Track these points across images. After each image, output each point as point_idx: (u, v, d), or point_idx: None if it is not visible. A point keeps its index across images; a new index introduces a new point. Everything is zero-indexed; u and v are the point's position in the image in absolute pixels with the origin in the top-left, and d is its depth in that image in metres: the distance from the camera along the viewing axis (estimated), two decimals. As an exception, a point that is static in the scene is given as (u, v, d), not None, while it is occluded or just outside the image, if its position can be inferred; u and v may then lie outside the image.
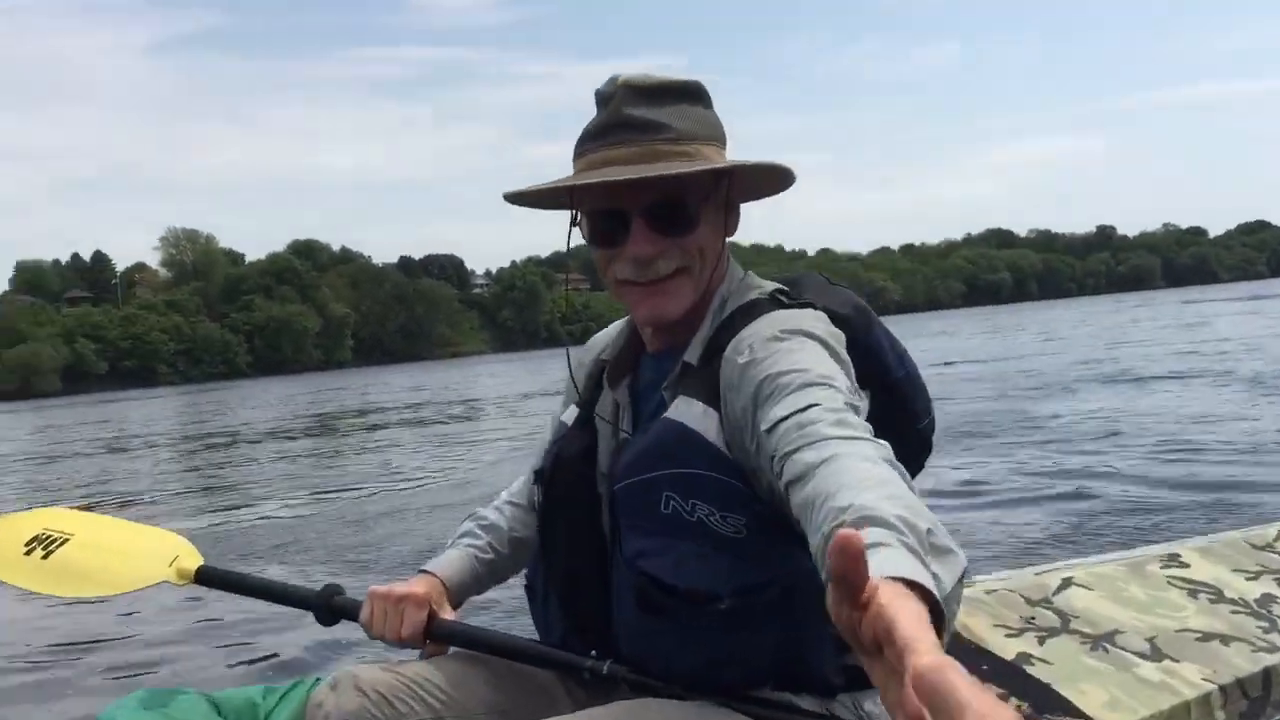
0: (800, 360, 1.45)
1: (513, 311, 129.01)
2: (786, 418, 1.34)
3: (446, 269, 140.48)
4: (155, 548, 2.14)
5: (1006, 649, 2.18)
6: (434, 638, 1.82)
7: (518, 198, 1.66)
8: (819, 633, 1.52)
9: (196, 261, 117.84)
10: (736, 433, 1.49)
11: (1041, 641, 2.21)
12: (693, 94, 1.63)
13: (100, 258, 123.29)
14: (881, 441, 1.28)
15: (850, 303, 1.69)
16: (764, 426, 1.38)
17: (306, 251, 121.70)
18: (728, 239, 1.69)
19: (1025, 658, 2.16)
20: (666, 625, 1.54)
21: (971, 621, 2.23)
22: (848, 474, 1.18)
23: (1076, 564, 2.64)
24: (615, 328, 1.88)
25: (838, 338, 1.55)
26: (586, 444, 1.73)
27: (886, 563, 0.95)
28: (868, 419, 1.48)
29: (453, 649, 1.84)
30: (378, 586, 1.87)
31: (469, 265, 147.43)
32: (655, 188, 1.57)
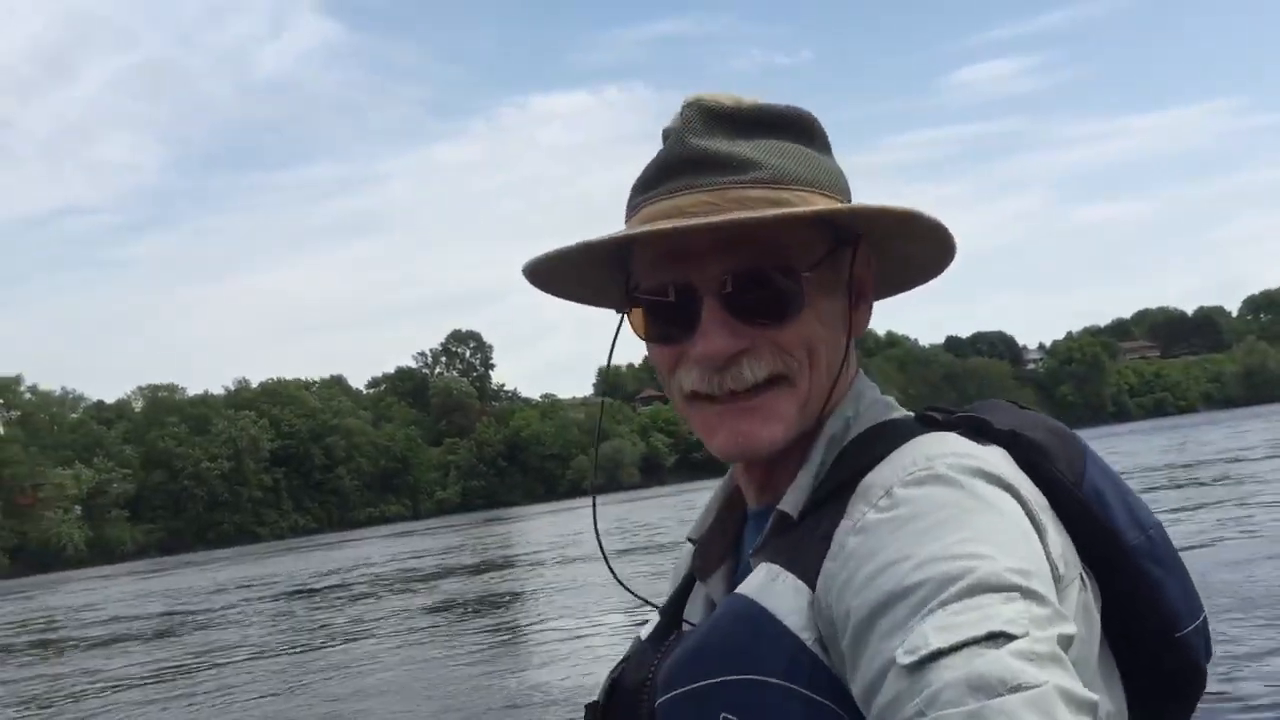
0: (969, 532, 0.89)
1: (1072, 385, 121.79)
2: (942, 653, 0.80)
3: (997, 345, 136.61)
4: None
5: None
6: None
7: (537, 276, 1.17)
8: None
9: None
10: (838, 638, 0.94)
11: None
12: (795, 128, 1.15)
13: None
14: None
15: (1045, 426, 1.15)
16: (902, 657, 0.82)
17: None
18: (852, 338, 1.18)
19: None
20: None
21: None
22: None
23: None
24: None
25: (1028, 491, 1.02)
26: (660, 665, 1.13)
27: None
28: (1085, 621, 1.02)
29: None
30: None
31: (1020, 340, 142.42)
32: (736, 252, 1.08)
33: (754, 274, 1.07)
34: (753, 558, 1.08)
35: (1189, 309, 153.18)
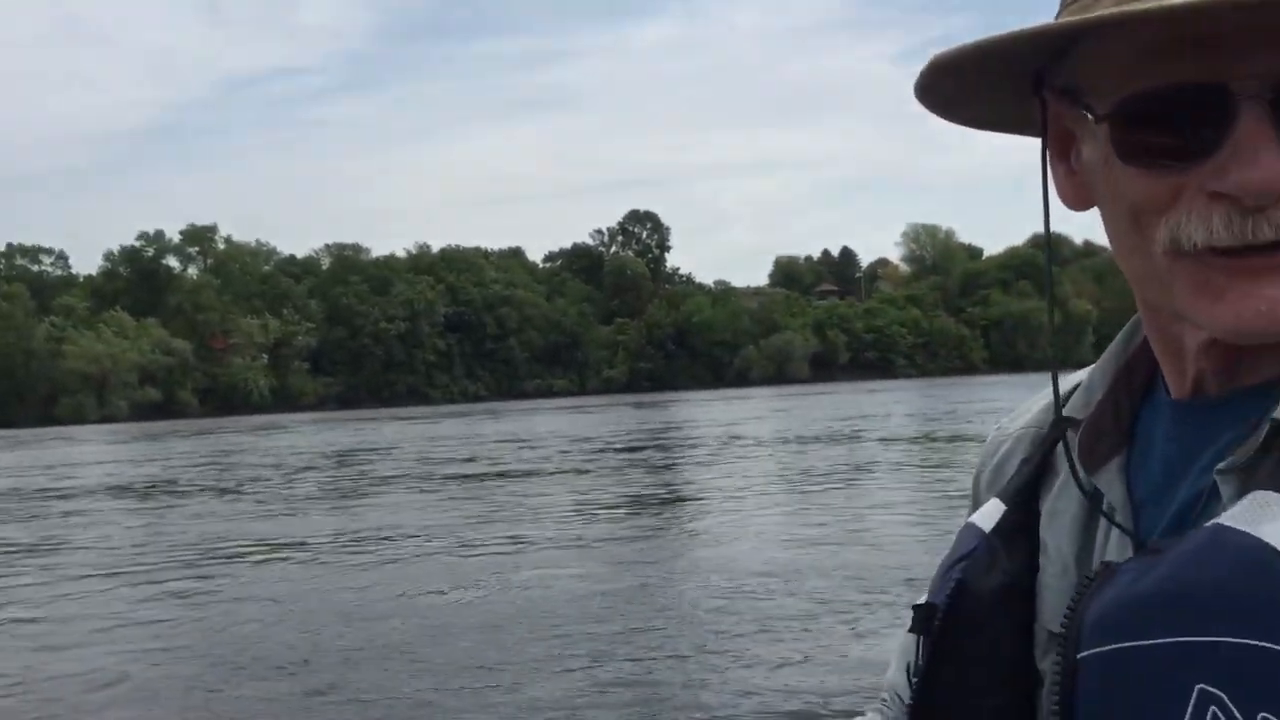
0: None
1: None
2: None
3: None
4: None
5: None
6: None
7: (931, 87, 0.85)
8: None
9: (935, 256, 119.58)
10: None
11: None
12: None
13: (847, 254, 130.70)
14: None
15: None
16: None
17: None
18: None
19: None
20: None
21: None
22: None
23: None
24: (1094, 370, 0.98)
25: None
26: (1016, 571, 0.93)
27: None
28: None
29: None
30: None
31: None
32: None
33: None
34: (1222, 475, 0.80)
35: None
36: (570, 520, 13.63)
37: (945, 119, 0.91)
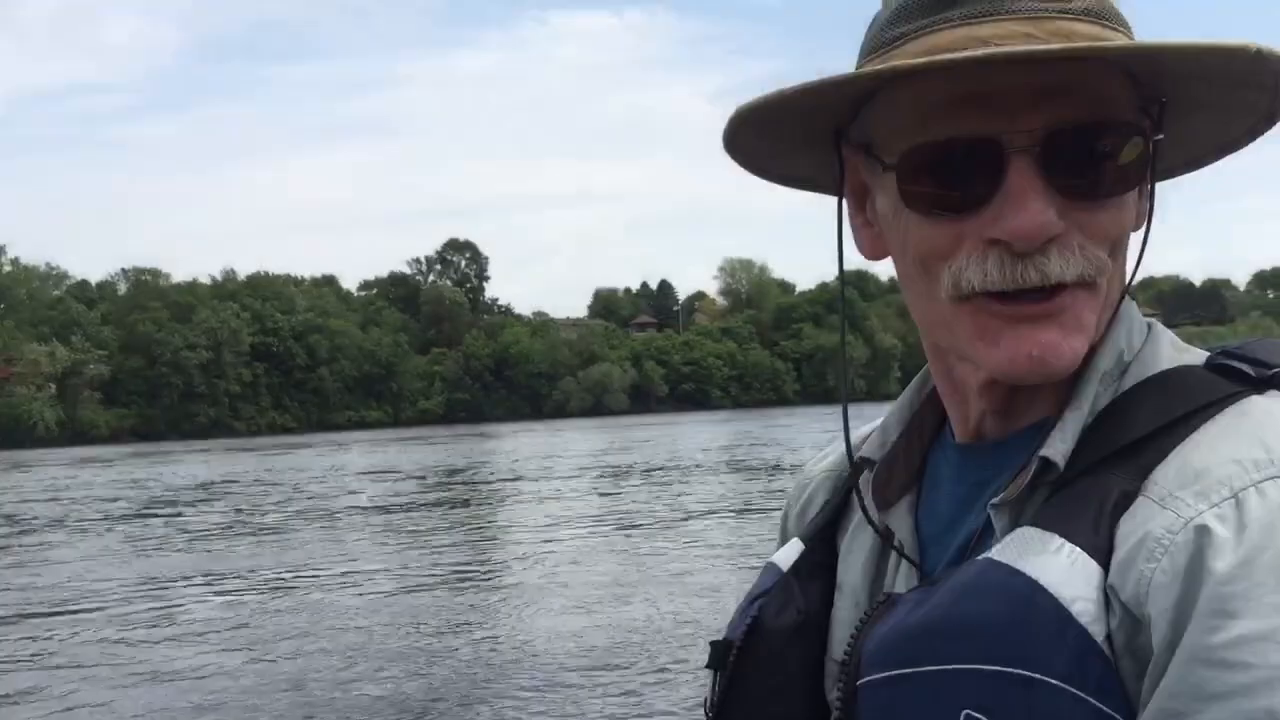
0: None
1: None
2: None
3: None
4: None
5: None
6: None
7: (739, 139, 0.90)
8: None
9: (750, 290, 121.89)
10: (1134, 642, 0.75)
11: None
12: None
13: (665, 286, 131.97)
14: None
15: None
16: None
17: (857, 281, 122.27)
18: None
19: None
20: None
21: None
22: None
23: None
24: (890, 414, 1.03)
25: None
26: (810, 607, 0.97)
27: None
28: None
29: None
30: None
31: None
32: (1058, 100, 0.80)
33: (1082, 130, 0.81)
34: (996, 509, 0.84)
35: (1196, 280, 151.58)
36: (392, 562, 12.79)
37: (755, 175, 0.95)
